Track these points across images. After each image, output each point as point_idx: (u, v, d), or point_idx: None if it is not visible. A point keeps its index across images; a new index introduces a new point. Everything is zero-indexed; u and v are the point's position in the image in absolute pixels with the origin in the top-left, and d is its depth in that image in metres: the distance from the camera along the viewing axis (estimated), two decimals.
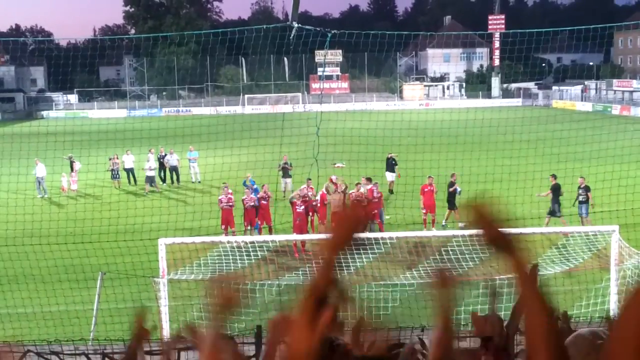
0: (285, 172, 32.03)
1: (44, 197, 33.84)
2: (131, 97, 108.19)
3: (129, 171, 37.03)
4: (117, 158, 36.47)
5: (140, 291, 17.48)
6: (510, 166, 28.82)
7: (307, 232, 24.22)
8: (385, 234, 22.09)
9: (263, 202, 25.09)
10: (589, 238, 19.30)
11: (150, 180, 35.03)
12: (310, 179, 26.38)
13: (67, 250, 20.44)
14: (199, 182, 36.65)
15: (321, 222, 25.00)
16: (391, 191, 31.68)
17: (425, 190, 26.34)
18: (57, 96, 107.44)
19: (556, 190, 25.50)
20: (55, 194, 34.80)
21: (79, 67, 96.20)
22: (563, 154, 31.06)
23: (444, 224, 25.63)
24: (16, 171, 28.99)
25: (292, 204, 24.58)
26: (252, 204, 24.80)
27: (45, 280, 19.01)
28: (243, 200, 24.96)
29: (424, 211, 26.34)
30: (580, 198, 25.16)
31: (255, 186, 26.39)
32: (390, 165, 32.57)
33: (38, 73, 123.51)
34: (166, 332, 14.58)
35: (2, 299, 17.88)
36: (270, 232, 24.52)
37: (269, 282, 18.37)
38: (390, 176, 32.50)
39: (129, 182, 36.89)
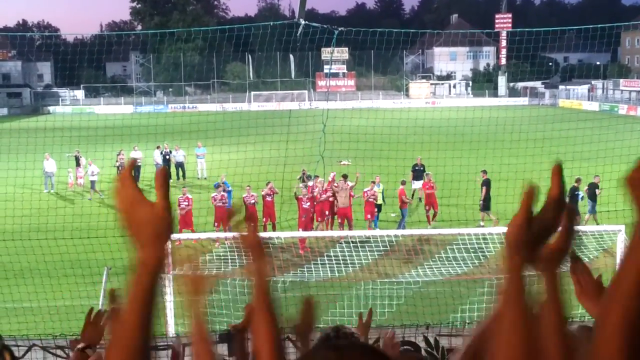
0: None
1: (50, 192, 33.89)
2: (137, 93, 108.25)
3: (135, 168, 37.06)
4: (124, 154, 36.54)
5: None
6: (517, 165, 28.77)
7: (312, 229, 24.34)
8: (391, 231, 22.12)
9: (268, 199, 25.09)
10: (595, 238, 19.26)
11: (92, 185, 33.21)
12: (317, 176, 26.43)
13: (73, 245, 20.48)
14: (205, 178, 36.68)
15: (320, 220, 25.19)
16: (416, 197, 30.13)
17: (426, 187, 26.69)
18: (64, 91, 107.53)
19: (487, 186, 26.47)
20: (62, 189, 34.87)
21: (85, 63, 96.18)
22: (569, 153, 30.93)
23: None
24: (23, 166, 29.04)
25: (298, 200, 24.66)
26: (222, 203, 24.88)
27: (51, 274, 19.05)
28: (213, 197, 25.13)
29: (427, 208, 26.76)
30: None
31: (229, 188, 26.32)
32: (419, 173, 30.37)
33: (45, 68, 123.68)
34: (171, 328, 14.59)
35: (8, 293, 17.93)
36: (274, 229, 24.55)
37: (274, 278, 18.38)
38: (417, 184, 30.35)
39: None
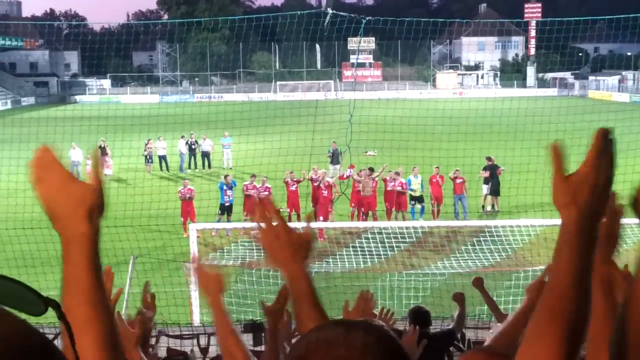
0: (335, 158, 31.91)
1: None
2: (163, 83, 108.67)
3: (162, 158, 37.14)
4: (152, 143, 36.68)
5: (171, 275, 17.55)
6: (546, 156, 28.38)
7: (329, 217, 24.49)
8: (417, 223, 21.98)
9: (292, 188, 25.09)
10: (624, 231, 18.93)
11: None
12: (314, 168, 26.43)
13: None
14: (231, 168, 36.70)
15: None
16: (484, 207, 28.02)
17: (434, 180, 26.36)
18: (91, 81, 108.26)
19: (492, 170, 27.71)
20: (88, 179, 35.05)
21: (112, 52, 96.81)
22: None
23: None
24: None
25: (314, 189, 24.78)
26: (253, 192, 24.76)
27: None
28: (245, 186, 25.10)
29: (432, 202, 26.47)
30: None
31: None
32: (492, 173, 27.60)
33: (72, 57, 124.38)
34: (197, 317, 14.59)
35: (35, 280, 17.97)
36: (298, 219, 24.48)
37: None
38: (486, 189, 27.80)
39: (161, 168, 37.01)
